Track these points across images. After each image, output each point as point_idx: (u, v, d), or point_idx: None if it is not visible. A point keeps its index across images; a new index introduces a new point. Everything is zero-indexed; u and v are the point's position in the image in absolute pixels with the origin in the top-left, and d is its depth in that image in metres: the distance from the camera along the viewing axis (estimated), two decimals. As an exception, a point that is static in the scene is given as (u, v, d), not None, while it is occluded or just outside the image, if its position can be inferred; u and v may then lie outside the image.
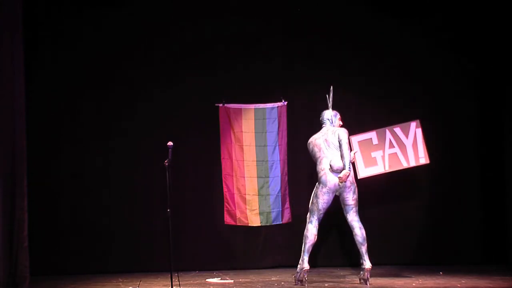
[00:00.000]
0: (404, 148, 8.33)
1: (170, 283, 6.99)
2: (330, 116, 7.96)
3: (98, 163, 8.98)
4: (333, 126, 7.92)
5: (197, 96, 9.12)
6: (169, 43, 9.15)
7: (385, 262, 8.99)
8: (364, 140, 8.38)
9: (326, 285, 7.73)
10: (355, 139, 8.38)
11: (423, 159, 8.33)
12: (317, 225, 7.77)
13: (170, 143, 7.00)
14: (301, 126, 9.16)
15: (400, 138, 8.36)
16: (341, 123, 8.00)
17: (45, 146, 8.86)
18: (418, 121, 8.37)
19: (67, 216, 8.89)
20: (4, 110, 7.67)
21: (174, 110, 9.09)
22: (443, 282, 7.78)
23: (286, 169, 9.06)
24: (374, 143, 8.37)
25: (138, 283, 7.96)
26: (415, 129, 8.34)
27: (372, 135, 8.40)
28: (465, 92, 9.36)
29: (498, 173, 9.16)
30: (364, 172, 8.38)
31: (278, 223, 9.05)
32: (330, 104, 7.97)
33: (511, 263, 8.76)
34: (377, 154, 8.36)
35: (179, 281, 7.23)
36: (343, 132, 7.76)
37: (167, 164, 6.96)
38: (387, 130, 8.39)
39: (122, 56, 9.06)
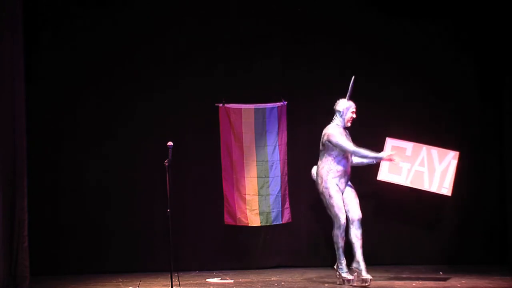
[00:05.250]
0: (433, 171, 7.95)
1: (170, 283, 7.00)
2: (342, 108, 7.75)
3: (98, 163, 8.97)
4: (343, 120, 7.75)
5: (197, 96, 9.11)
6: (169, 43, 9.15)
7: (385, 262, 9.00)
8: (398, 147, 7.97)
9: (326, 285, 7.73)
10: (391, 142, 8.01)
11: (445, 190, 7.94)
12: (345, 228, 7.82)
13: (170, 143, 7.00)
14: (301, 126, 9.16)
15: (433, 161, 7.97)
16: (353, 116, 7.75)
17: (45, 146, 8.86)
18: (457, 153, 7.99)
19: (67, 216, 8.88)
20: (4, 110, 7.67)
21: (174, 110, 9.08)
22: (443, 282, 7.78)
23: (286, 169, 9.06)
24: (407, 154, 7.97)
25: (138, 283, 7.96)
26: (451, 159, 7.94)
27: (408, 146, 8.00)
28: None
29: (498, 173, 9.15)
30: (385, 176, 8.04)
31: (278, 223, 9.04)
32: (348, 94, 7.75)
33: (511, 263, 8.75)
34: (404, 165, 7.97)
35: (179, 281, 7.23)
36: (333, 137, 7.61)
37: (167, 164, 6.96)
38: (424, 148, 7.99)
39: (122, 56, 9.05)
